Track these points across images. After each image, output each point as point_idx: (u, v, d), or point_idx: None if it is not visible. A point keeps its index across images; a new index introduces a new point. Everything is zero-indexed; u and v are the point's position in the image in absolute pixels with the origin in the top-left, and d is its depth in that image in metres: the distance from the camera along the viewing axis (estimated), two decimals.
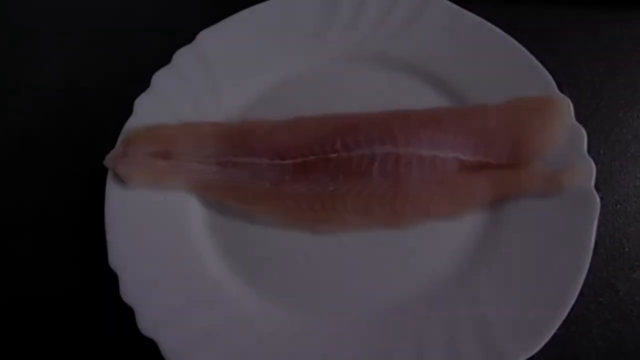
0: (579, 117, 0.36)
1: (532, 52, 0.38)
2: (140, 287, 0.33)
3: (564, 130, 0.35)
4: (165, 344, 0.31)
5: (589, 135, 0.35)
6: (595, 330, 0.33)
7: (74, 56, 0.46)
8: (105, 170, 0.36)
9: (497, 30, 0.39)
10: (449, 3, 0.41)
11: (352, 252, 0.35)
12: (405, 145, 0.35)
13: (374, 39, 0.41)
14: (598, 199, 0.33)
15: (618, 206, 0.36)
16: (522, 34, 0.39)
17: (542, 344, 0.30)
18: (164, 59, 0.40)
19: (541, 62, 0.38)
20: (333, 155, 0.36)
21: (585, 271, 0.31)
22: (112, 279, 0.33)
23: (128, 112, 0.38)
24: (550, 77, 0.37)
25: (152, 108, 0.38)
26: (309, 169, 0.36)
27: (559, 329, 0.31)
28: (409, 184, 0.35)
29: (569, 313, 0.31)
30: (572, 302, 0.30)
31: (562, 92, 0.37)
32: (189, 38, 0.41)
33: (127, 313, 0.32)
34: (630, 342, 0.32)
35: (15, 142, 0.43)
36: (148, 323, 0.31)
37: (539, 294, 0.31)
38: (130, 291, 0.32)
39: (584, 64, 0.41)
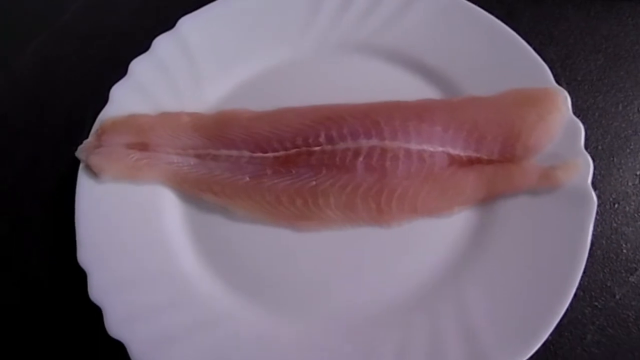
0: (576, 111, 0.34)
1: (529, 42, 0.36)
2: (109, 287, 0.31)
3: (560, 125, 0.33)
4: (132, 346, 0.29)
5: (586, 130, 0.33)
6: (590, 336, 0.31)
7: (52, 40, 0.45)
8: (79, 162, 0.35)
9: (492, 18, 0.37)
10: None
11: (334, 252, 0.33)
12: (392, 138, 0.33)
13: (363, 27, 0.39)
14: (595, 198, 0.31)
15: (616, 205, 0.34)
16: (519, 23, 0.38)
17: (532, 352, 0.28)
18: (144, 45, 0.38)
19: (538, 52, 0.36)
20: (316, 149, 0.34)
21: (580, 274, 0.30)
22: (82, 276, 0.32)
23: (106, 100, 0.37)
24: (546, 68, 0.35)
25: (129, 96, 0.37)
26: (291, 163, 0.34)
27: (551, 334, 0.29)
28: (396, 179, 0.33)
29: (563, 317, 0.29)
30: (565, 307, 0.29)
31: (559, 84, 0.35)
32: (170, 24, 0.39)
33: (97, 312, 0.31)
34: (626, 349, 0.31)
35: None
36: (115, 323, 0.30)
37: (531, 298, 0.30)
38: (98, 290, 0.31)
39: (583, 55, 0.39)
